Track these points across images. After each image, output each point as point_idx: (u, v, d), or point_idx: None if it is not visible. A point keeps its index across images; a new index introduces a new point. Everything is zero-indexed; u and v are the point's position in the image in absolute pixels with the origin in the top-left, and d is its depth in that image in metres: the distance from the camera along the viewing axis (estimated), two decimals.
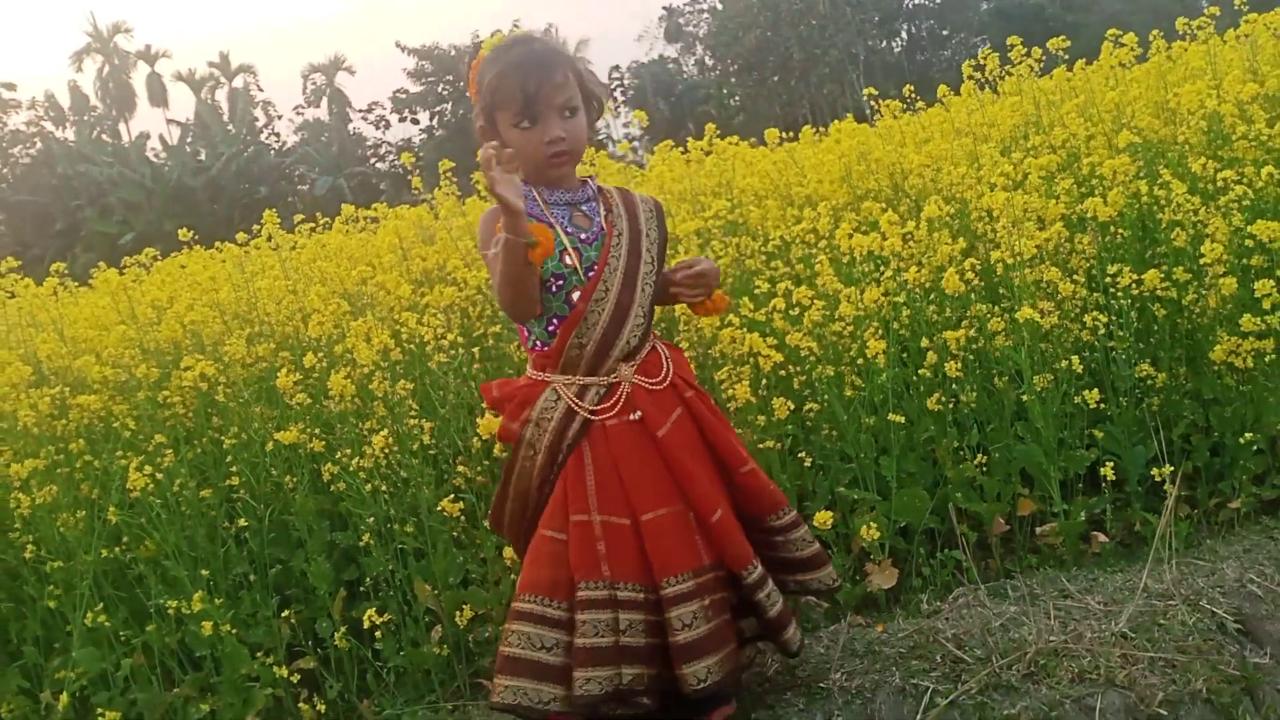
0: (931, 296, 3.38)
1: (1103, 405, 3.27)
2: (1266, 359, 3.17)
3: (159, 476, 3.01)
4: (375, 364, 3.27)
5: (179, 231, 5.11)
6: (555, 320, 2.31)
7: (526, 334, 2.40)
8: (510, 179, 2.07)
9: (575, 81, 2.31)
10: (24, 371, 3.33)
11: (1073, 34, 5.49)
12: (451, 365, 3.34)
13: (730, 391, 3.03)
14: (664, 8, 65.33)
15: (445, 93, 49.71)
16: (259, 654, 3.14)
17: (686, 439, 2.35)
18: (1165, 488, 2.96)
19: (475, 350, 3.48)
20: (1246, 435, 3.20)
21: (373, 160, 49.49)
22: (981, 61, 4.94)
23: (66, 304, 4.42)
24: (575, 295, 2.29)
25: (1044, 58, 4.92)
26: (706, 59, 62.98)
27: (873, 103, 5.15)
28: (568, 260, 2.28)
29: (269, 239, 4.40)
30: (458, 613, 3.08)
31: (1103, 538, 3.23)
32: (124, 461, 3.26)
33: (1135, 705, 2.22)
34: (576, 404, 2.29)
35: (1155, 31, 5.06)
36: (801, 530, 2.48)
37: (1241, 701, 2.29)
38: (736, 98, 60.56)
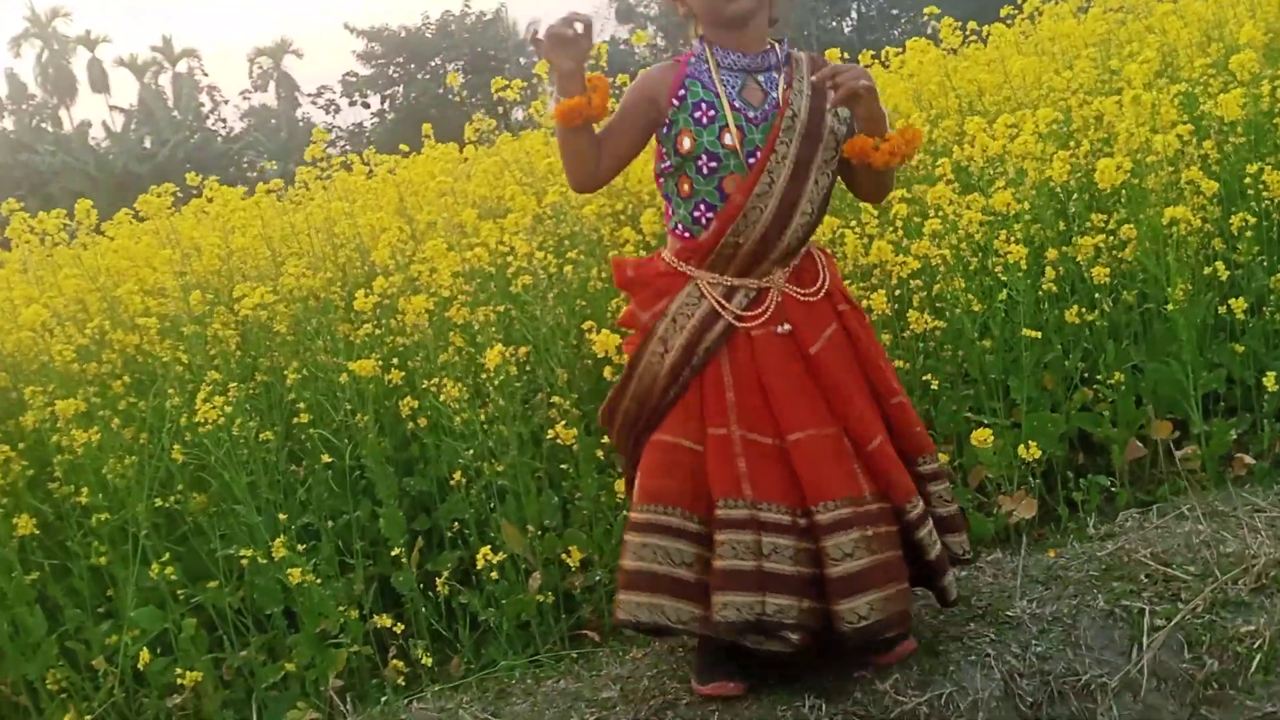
0: (1059, 199, 3.13)
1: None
2: None
3: (229, 411, 2.68)
4: (456, 290, 2.96)
5: (188, 176, 4.76)
6: (702, 206, 2.03)
7: (670, 212, 2.11)
8: (571, 40, 1.89)
9: None
10: (60, 308, 2.98)
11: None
12: (538, 290, 3.02)
13: (866, 302, 2.75)
14: None
15: (396, 75, 48.93)
16: (340, 608, 2.83)
17: (841, 358, 2.08)
18: None
19: (567, 269, 3.15)
20: None
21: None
22: None
23: (88, 248, 4.01)
24: (729, 182, 2.00)
25: None
26: (659, 39, 62.64)
27: (933, 23, 4.89)
28: (727, 140, 1.98)
29: (304, 185, 4.06)
30: (565, 556, 2.78)
31: (1249, 459, 3.01)
32: (176, 401, 2.93)
33: None
34: (722, 306, 2.02)
35: None
36: (944, 484, 2.20)
37: None
38: None
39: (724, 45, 2.02)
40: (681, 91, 2.01)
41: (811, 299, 2.07)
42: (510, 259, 3.05)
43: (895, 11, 66.39)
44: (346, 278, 3.50)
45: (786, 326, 2.03)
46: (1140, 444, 3.07)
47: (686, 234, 2.07)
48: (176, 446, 2.70)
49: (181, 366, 3.03)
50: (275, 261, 3.42)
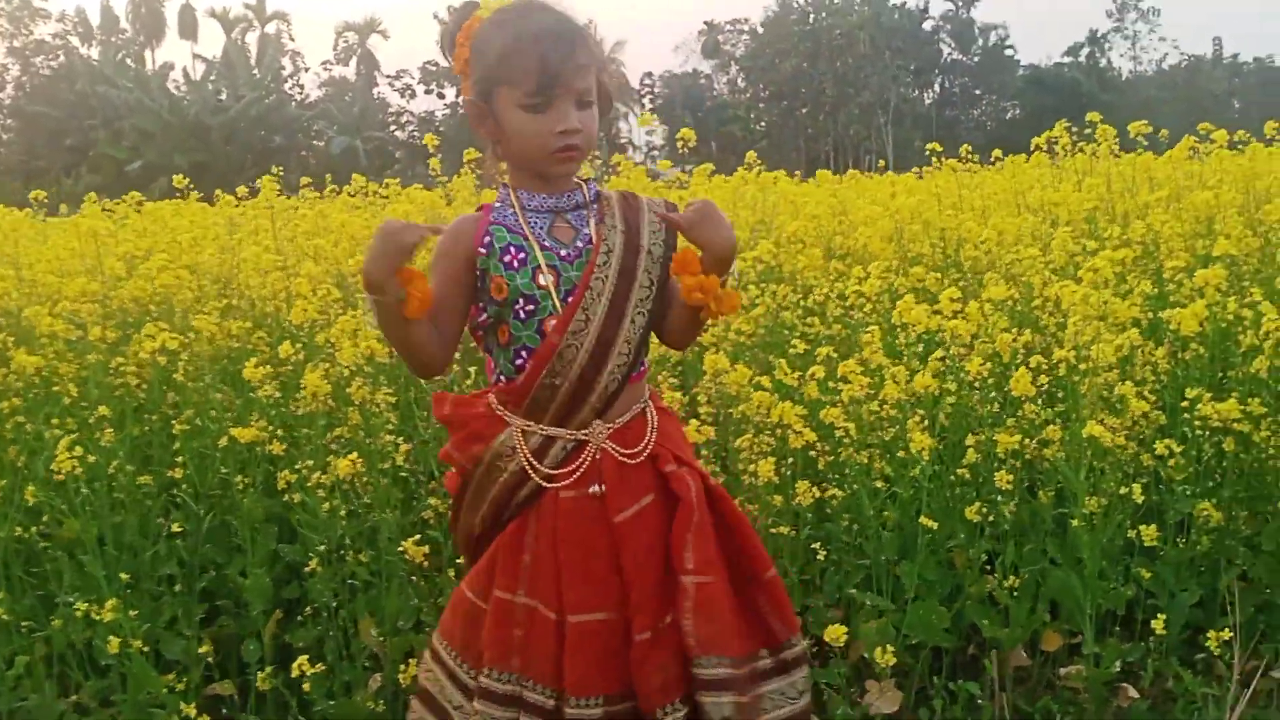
0: (981, 389, 3.03)
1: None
2: None
3: (91, 459, 2.63)
4: (359, 367, 2.91)
5: (174, 178, 4.76)
6: (524, 352, 1.89)
7: (492, 364, 1.98)
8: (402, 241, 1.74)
9: (595, 70, 1.91)
10: None
11: (1106, 113, 5.15)
12: (443, 382, 2.97)
13: (752, 467, 2.66)
14: (705, 22, 65.27)
15: None
16: (170, 674, 2.76)
17: (648, 534, 1.90)
18: (1217, 654, 2.62)
19: (472, 369, 3.09)
20: None
21: (392, 128, 49.12)
22: (1054, 137, 4.59)
23: (34, 238, 3.99)
24: (549, 324, 1.88)
25: (1119, 138, 4.58)
26: (739, 80, 62.98)
27: (933, 158, 4.80)
28: (541, 280, 1.86)
29: (268, 204, 3.99)
30: (403, 667, 2.71)
31: (1133, 693, 2.88)
32: (59, 430, 2.89)
33: None
34: (532, 465, 1.88)
35: (1241, 132, 4.73)
36: (802, 672, 1.99)
37: None
38: (762, 123, 60.49)
39: (530, 189, 1.92)
40: (487, 238, 1.88)
41: (630, 460, 1.91)
42: None
43: (978, 92, 66.29)
44: (275, 326, 3.45)
45: (600, 488, 1.88)
46: (1025, 653, 2.96)
47: (510, 381, 1.92)
48: (30, 486, 2.65)
49: (70, 399, 2.99)
50: (198, 298, 3.38)
